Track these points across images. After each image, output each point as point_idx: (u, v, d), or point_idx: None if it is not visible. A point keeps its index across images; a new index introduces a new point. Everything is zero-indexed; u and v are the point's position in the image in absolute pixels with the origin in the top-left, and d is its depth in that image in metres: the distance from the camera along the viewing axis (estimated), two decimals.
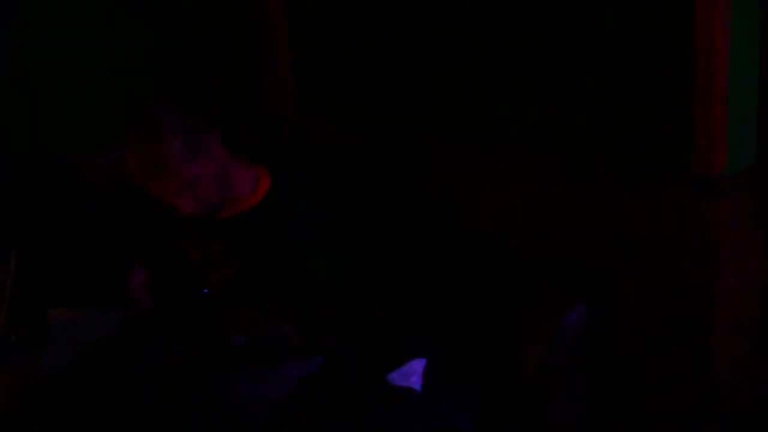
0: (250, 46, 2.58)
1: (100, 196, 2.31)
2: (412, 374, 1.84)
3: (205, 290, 1.91)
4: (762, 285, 1.84)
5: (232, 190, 1.91)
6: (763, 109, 1.74)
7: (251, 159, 1.98)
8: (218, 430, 1.68)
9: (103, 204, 2.30)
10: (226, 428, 1.68)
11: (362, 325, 1.81)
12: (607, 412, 2.01)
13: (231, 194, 1.91)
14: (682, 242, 1.81)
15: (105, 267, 2.14)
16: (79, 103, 2.44)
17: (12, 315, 1.84)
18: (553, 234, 2.00)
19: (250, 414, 1.70)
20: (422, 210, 2.17)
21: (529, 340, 1.86)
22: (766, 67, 1.71)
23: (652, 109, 1.79)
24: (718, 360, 1.84)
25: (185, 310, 1.92)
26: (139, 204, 1.99)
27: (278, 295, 1.90)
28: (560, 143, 1.95)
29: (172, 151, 1.75)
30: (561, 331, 1.88)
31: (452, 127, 2.17)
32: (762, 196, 1.77)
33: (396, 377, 1.83)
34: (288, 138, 2.45)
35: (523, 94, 1.99)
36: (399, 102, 2.26)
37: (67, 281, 2.16)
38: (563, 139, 1.95)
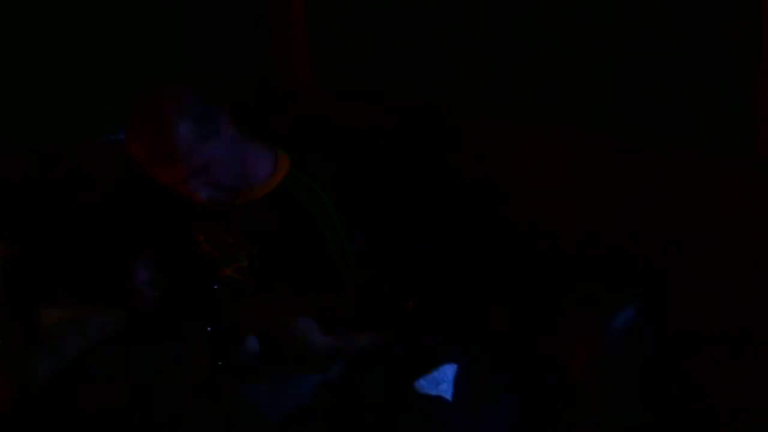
0: (263, 21, 2.52)
1: (97, 185, 2.24)
2: (442, 381, 1.74)
3: (216, 285, 1.82)
4: None
5: (247, 175, 1.83)
6: None
7: (267, 140, 1.90)
8: None
9: (101, 193, 2.23)
10: None
11: (392, 324, 1.69)
12: (661, 419, 1.91)
13: (247, 179, 1.83)
14: (743, 232, 1.70)
15: (105, 262, 2.05)
16: (70, 84, 2.37)
17: None
18: (599, 226, 1.90)
19: (264, 424, 1.66)
20: (452, 196, 2.08)
21: (574, 343, 1.77)
22: None
23: (714, 89, 1.72)
24: None
25: (194, 309, 1.83)
26: (142, 193, 1.93)
27: (297, 290, 1.81)
28: (607, 127, 1.88)
29: (180, 134, 1.68)
30: (609, 332, 1.78)
31: (483, 107, 2.09)
32: None
33: (424, 385, 1.74)
34: (304, 117, 2.35)
35: (566, 72, 1.91)
36: (423, 78, 2.19)
37: (62, 278, 2.08)
38: (611, 123, 1.87)
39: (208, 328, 1.75)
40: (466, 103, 2.14)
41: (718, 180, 1.73)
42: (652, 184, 1.81)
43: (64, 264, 2.12)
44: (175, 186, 1.74)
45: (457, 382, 1.74)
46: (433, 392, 1.72)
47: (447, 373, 1.75)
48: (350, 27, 2.36)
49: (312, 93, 2.49)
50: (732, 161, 1.71)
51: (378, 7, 2.26)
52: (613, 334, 1.79)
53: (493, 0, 2.00)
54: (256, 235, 1.85)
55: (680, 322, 1.83)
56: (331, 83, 2.46)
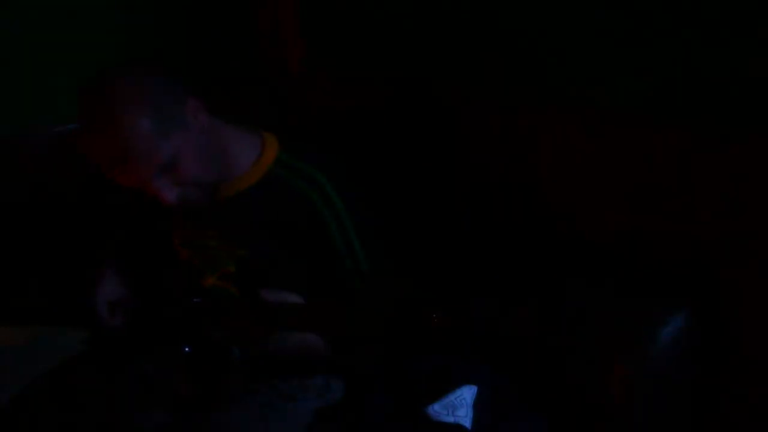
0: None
1: (52, 181, 2.12)
2: (460, 406, 1.64)
3: (196, 299, 1.69)
4: None
5: (227, 166, 1.72)
6: None
7: (253, 123, 1.80)
8: None
9: (49, 193, 2.11)
10: None
11: (414, 340, 1.59)
12: None
13: (227, 171, 1.72)
14: None
15: (62, 272, 1.95)
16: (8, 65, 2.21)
17: None
18: (634, 221, 1.79)
19: None
20: (458, 185, 1.99)
21: (615, 359, 1.64)
22: None
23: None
24: None
25: (170, 327, 1.70)
26: (104, 191, 1.80)
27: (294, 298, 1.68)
28: (643, 104, 1.76)
29: (137, 129, 1.56)
30: (657, 345, 1.67)
31: (487, 85, 1.98)
32: None
33: (439, 410, 1.64)
34: (294, 98, 2.31)
35: (583, 43, 1.79)
36: (424, 53, 2.09)
37: (11, 291, 1.98)
38: (647, 99, 1.75)
39: (187, 349, 1.64)
40: (468, 81, 2.05)
41: None
42: (697, 169, 1.69)
43: (13, 274, 2.02)
44: (139, 188, 1.64)
45: (477, 406, 1.64)
46: (450, 419, 1.63)
47: (465, 396, 1.66)
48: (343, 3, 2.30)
49: (302, 71, 2.43)
50: None
51: None
52: (660, 347, 1.68)
53: None
54: (244, 234, 1.74)
55: (736, 332, 1.74)
56: (323, 60, 2.39)
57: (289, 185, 1.71)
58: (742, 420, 1.79)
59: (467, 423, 1.62)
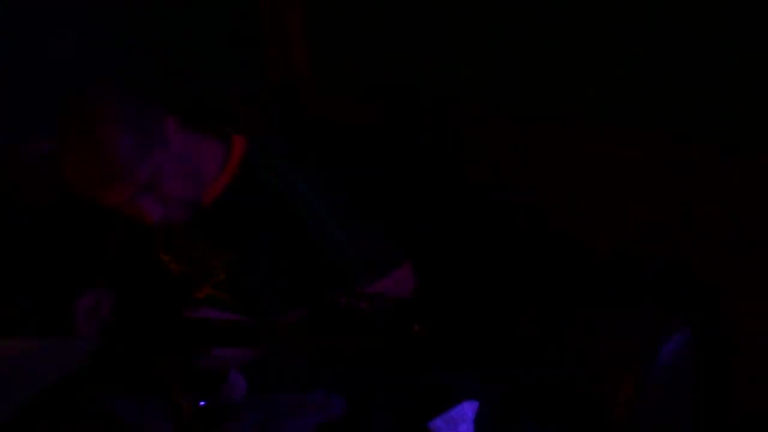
0: (255, 8, 2.45)
1: (30, 199, 2.10)
2: (461, 421, 1.64)
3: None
4: None
5: (205, 178, 1.72)
6: None
7: (221, 125, 1.80)
8: None
9: (36, 209, 2.09)
10: None
11: (393, 351, 1.55)
12: None
13: (205, 184, 1.73)
14: None
15: (59, 285, 1.91)
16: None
17: None
18: (641, 235, 1.79)
19: None
20: (460, 199, 1.98)
21: (618, 376, 1.63)
22: None
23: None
24: None
25: (168, 343, 1.62)
26: (88, 209, 1.78)
27: (286, 305, 1.67)
28: (649, 118, 1.76)
29: (118, 149, 1.57)
30: (657, 362, 1.65)
31: (493, 99, 1.99)
32: None
33: (441, 426, 1.63)
34: (299, 112, 2.29)
35: (590, 59, 1.79)
36: (427, 68, 2.10)
37: (14, 303, 1.94)
38: (652, 114, 1.75)
39: (203, 403, 1.60)
40: (467, 95, 2.05)
41: None
42: (698, 191, 1.69)
43: (15, 286, 1.99)
44: (121, 208, 1.63)
45: (479, 421, 1.64)
46: None
47: (466, 411, 1.66)
48: (350, 11, 2.28)
49: (308, 80, 2.42)
50: None
51: None
52: (661, 365, 1.67)
53: None
54: (228, 238, 1.74)
55: (740, 348, 1.72)
56: (330, 75, 2.38)
57: (257, 181, 1.71)
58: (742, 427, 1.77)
59: None
